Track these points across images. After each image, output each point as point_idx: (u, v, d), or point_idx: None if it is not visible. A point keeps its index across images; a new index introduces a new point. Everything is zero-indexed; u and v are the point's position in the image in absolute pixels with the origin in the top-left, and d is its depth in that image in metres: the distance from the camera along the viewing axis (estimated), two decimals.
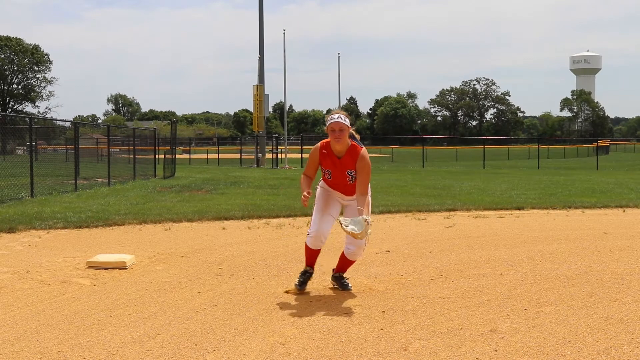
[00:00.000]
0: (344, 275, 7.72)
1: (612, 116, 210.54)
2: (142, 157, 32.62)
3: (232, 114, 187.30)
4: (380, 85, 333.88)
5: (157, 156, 33.50)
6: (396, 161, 58.38)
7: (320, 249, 7.56)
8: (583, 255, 9.90)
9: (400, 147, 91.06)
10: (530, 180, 28.58)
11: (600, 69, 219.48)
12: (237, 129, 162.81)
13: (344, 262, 7.59)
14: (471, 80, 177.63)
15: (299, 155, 48.75)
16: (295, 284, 7.58)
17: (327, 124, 7.21)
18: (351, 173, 7.27)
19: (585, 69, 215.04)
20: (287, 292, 7.51)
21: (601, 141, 76.77)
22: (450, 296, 7.30)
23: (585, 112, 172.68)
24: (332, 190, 7.56)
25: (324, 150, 7.38)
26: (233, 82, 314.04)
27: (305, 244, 7.59)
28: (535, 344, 5.58)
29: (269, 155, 48.73)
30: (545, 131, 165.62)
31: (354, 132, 7.44)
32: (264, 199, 18.75)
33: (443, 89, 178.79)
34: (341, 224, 6.90)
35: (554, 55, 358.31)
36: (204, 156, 62.97)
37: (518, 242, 11.11)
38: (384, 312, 6.63)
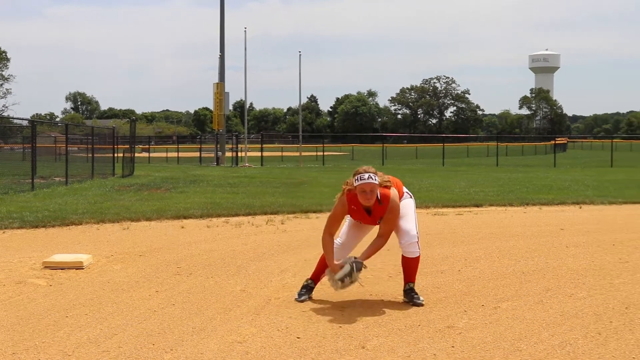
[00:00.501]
0: (413, 285, 7.08)
1: (569, 114, 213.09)
2: (101, 156, 32.34)
3: (192, 112, 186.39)
4: (341, 84, 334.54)
5: (115, 155, 33.22)
6: (356, 159, 58.51)
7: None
8: (540, 251, 10.01)
9: (360, 145, 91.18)
10: (488, 177, 28.82)
11: (558, 67, 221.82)
12: (197, 127, 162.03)
13: (405, 264, 7.12)
14: (431, 79, 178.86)
15: (259, 154, 48.64)
16: (298, 300, 7.06)
17: (357, 184, 6.73)
18: (380, 220, 6.96)
19: (544, 67, 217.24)
20: (242, 290, 7.49)
21: (559, 139, 77.62)
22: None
23: (544, 110, 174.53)
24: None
25: (353, 207, 6.93)
26: (193, 80, 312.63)
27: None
28: (492, 340, 5.63)
29: (229, 154, 48.53)
30: (504, 129, 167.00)
31: (381, 181, 6.91)
32: (223, 197, 18.68)
33: (403, 87, 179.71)
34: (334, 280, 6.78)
35: (513, 54, 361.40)
36: (164, 155, 62.53)
37: (476, 239, 11.20)
38: (342, 309, 6.64)
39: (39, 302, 7.01)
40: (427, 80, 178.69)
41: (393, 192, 6.86)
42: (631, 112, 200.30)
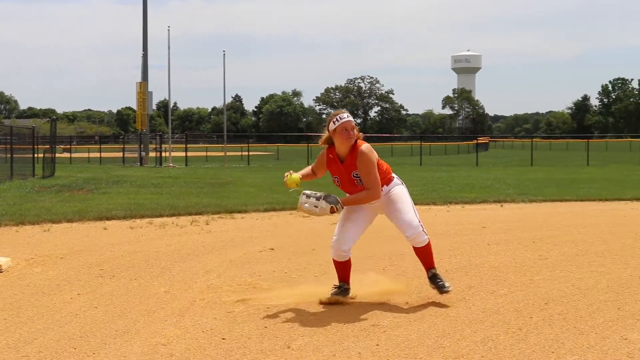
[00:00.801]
0: (435, 270, 7.09)
1: (491, 114, 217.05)
2: (20, 157, 31.56)
3: (114, 111, 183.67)
4: (265, 84, 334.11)
5: (36, 155, 32.53)
6: (282, 159, 58.52)
7: (348, 260, 7.07)
8: (462, 249, 10.16)
9: (285, 145, 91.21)
10: (412, 176, 29.11)
11: (480, 68, 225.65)
12: (120, 127, 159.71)
13: (419, 254, 7.16)
14: (356, 79, 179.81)
15: (183, 154, 48.25)
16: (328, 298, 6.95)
17: (336, 125, 6.75)
18: (357, 175, 6.81)
19: (466, 67, 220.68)
20: (166, 292, 7.41)
21: (481, 138, 78.77)
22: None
23: (466, 110, 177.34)
24: None
25: (330, 155, 6.95)
26: (116, 79, 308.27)
27: (332, 257, 7.12)
28: (416, 337, 5.69)
29: (152, 154, 48.02)
30: (428, 128, 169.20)
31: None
32: (147, 198, 18.46)
33: (328, 87, 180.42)
34: (303, 198, 6.78)
35: (436, 55, 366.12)
36: (86, 155, 61.51)
37: (399, 238, 11.24)
38: (267, 309, 6.63)
39: None
40: (351, 80, 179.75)
41: (364, 145, 6.85)
42: (550, 112, 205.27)
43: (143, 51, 46.94)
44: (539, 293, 7.30)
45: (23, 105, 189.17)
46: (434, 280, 7.01)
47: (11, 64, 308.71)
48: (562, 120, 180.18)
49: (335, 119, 6.80)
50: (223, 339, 5.70)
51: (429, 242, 7.08)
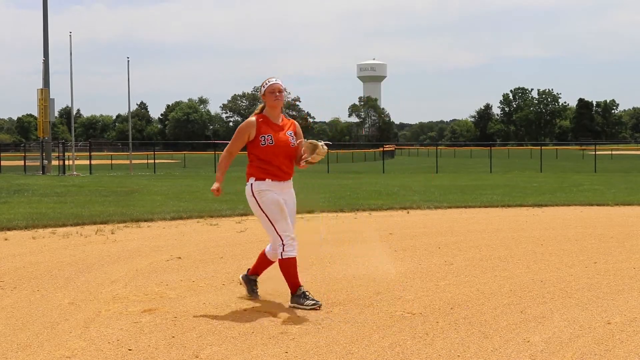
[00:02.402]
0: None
1: (397, 122, 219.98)
2: None
3: (15, 119, 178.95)
4: (171, 91, 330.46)
5: None
6: (188, 167, 58.00)
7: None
8: (370, 256, 10.24)
9: (192, 152, 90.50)
10: (320, 184, 29.24)
11: (385, 76, 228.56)
12: (20, 134, 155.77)
13: (263, 264, 7.48)
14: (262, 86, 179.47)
15: (87, 162, 47.31)
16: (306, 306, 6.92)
17: (266, 87, 7.15)
18: (291, 134, 7.16)
19: (372, 76, 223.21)
20: (71, 303, 7.25)
21: (387, 146, 79.89)
22: (242, 300, 7.34)
23: (372, 117, 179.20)
24: (276, 182, 7.18)
25: (260, 120, 7.13)
26: (16, 86, 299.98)
27: (288, 259, 7.03)
28: (325, 344, 5.71)
29: (55, 162, 46.93)
30: (335, 136, 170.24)
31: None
32: (50, 207, 18.02)
33: (235, 94, 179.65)
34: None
35: (342, 63, 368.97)
36: None
37: (307, 245, 11.29)
38: (175, 319, 6.55)
39: None
40: (258, 88, 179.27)
41: None
42: (454, 120, 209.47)
43: (44, 57, 45.86)
44: (445, 298, 7.43)
45: None
46: (252, 282, 7.56)
47: None
48: (466, 128, 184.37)
49: (265, 83, 7.22)
50: (130, 350, 5.60)
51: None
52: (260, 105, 7.32)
